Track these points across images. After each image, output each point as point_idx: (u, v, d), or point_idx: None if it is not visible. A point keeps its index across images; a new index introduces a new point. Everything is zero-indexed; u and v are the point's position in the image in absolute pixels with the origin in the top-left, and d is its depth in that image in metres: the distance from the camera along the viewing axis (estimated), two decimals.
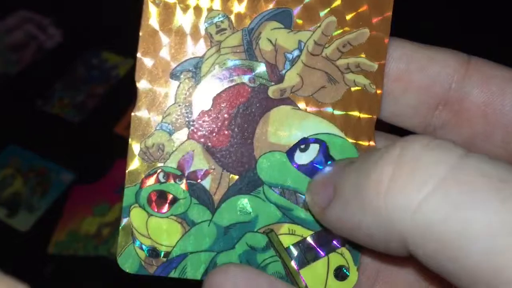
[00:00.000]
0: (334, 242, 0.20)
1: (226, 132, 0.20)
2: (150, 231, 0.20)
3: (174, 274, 0.20)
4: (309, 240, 0.20)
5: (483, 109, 0.21)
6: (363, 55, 0.20)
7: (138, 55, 0.20)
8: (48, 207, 0.64)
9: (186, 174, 0.20)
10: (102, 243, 0.60)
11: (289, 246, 0.20)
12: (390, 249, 0.16)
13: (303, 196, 0.20)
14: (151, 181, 0.20)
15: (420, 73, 0.21)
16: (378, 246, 0.17)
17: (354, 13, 0.20)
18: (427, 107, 0.21)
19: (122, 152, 0.21)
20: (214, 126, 0.20)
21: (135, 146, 0.20)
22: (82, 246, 0.60)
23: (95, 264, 0.58)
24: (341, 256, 0.20)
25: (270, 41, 0.20)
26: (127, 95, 0.29)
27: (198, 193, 0.20)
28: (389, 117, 0.22)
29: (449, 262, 0.14)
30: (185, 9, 0.20)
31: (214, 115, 0.20)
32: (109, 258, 0.58)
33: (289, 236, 0.20)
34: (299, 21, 0.20)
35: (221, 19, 0.20)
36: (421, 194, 0.15)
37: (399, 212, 0.15)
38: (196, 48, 0.20)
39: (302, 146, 0.20)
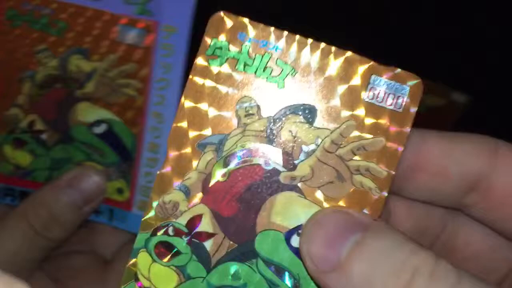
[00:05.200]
0: None
1: (234, 204, 0.22)
2: (151, 275, 0.22)
3: None
4: None
5: (504, 199, 0.23)
6: (374, 161, 0.22)
7: (174, 124, 0.22)
8: None
9: (192, 233, 0.22)
10: None
11: None
12: None
13: (295, 282, 0.22)
14: (161, 232, 0.22)
15: (458, 167, 0.24)
16: None
17: (374, 121, 0.22)
18: (460, 193, 0.24)
19: None
20: (225, 196, 0.22)
21: (154, 200, 0.22)
22: None
23: None
24: None
25: (291, 132, 0.22)
26: None
27: (198, 251, 0.22)
28: (423, 199, 0.24)
29: None
30: (225, 93, 0.22)
31: (228, 187, 0.22)
32: None
33: None
34: (321, 119, 0.22)
35: (251, 105, 0.22)
36: None
37: None
38: (224, 125, 0.22)
39: (300, 231, 0.22)
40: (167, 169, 0.22)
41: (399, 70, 0.22)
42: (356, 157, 0.22)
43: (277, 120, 0.22)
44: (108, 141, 0.37)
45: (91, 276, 0.37)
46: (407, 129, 0.22)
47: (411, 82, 0.22)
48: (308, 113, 0.22)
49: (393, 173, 0.22)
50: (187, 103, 0.22)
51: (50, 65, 0.36)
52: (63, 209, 0.34)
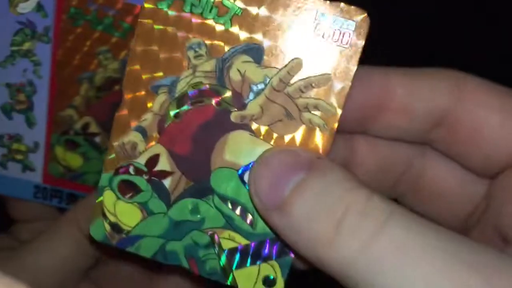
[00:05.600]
0: (266, 253, 0.23)
1: (188, 143, 0.23)
2: (116, 211, 0.24)
3: (130, 249, 0.24)
4: (244, 248, 0.23)
5: (470, 133, 0.23)
6: (322, 98, 0.22)
7: (128, 68, 0.23)
8: None
9: (151, 172, 0.23)
10: None
11: (226, 249, 0.24)
12: (319, 268, 0.20)
13: (249, 215, 0.23)
14: (123, 171, 0.24)
15: (423, 104, 0.23)
16: (308, 261, 0.20)
17: (321, 58, 0.22)
18: (426, 130, 0.24)
19: None
20: (180, 136, 0.23)
21: (114, 141, 0.23)
22: None
23: None
24: (271, 268, 0.23)
25: (240, 72, 0.22)
26: None
27: (158, 189, 0.24)
28: (389, 137, 0.24)
29: None
30: (174, 35, 0.22)
31: (182, 127, 0.23)
32: None
33: (228, 241, 0.23)
34: (269, 58, 0.22)
35: (200, 46, 0.22)
36: (359, 245, 0.18)
37: (341, 259, 0.19)
38: (176, 68, 0.23)
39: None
40: (124, 111, 0.23)
41: (344, 5, 0.21)
42: (305, 95, 0.22)
43: (226, 60, 0.22)
44: None
45: (137, 285, 0.35)
46: (354, 65, 0.22)
47: (358, 17, 0.21)
48: (256, 52, 0.22)
49: (340, 110, 0.22)
50: (138, 47, 0.23)
51: (110, 67, 0.35)
52: None
